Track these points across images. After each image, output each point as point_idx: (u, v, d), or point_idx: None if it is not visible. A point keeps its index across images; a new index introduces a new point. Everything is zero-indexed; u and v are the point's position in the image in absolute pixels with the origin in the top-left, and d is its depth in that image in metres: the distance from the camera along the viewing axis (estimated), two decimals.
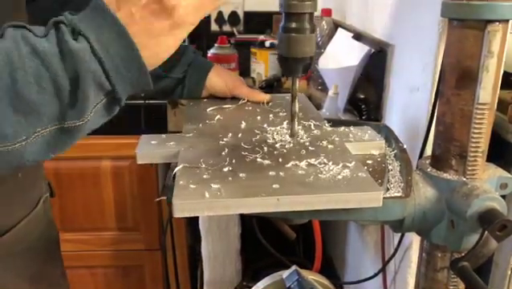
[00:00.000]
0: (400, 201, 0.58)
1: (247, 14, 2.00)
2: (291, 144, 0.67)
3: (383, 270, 1.02)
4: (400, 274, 0.98)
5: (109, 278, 1.60)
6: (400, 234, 0.89)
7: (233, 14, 1.99)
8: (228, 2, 1.93)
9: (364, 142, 0.70)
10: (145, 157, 0.66)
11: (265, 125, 0.74)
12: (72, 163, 1.42)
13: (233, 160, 0.60)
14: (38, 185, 0.77)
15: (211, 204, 0.51)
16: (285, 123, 0.75)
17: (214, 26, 2.02)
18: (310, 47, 0.63)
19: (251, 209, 0.52)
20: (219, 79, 0.90)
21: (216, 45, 1.32)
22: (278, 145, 0.67)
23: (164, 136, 0.71)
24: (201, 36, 2.07)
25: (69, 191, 1.46)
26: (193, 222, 1.44)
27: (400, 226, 0.61)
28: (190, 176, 0.56)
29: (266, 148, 0.65)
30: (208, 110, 0.84)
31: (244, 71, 1.55)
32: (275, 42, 1.50)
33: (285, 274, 0.99)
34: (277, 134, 0.71)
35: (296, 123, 0.69)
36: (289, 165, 0.59)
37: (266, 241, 1.12)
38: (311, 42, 0.63)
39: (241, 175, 0.56)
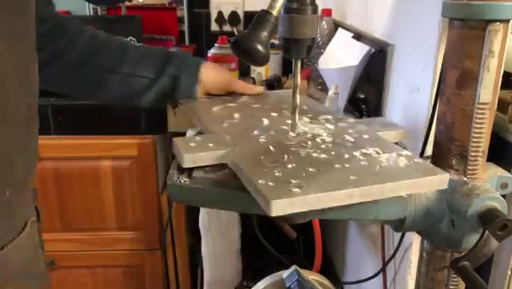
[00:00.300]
0: (400, 201, 0.58)
1: (247, 14, 2.00)
2: (330, 138, 0.67)
3: (383, 270, 1.02)
4: (400, 274, 0.98)
5: (109, 278, 1.60)
6: (400, 234, 0.89)
7: (233, 14, 1.99)
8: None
9: (389, 130, 0.72)
10: (196, 160, 0.62)
11: (287, 121, 0.74)
12: (72, 163, 1.42)
13: (290, 156, 0.60)
14: (25, 206, 0.68)
15: (306, 200, 0.51)
16: (304, 117, 0.75)
17: (214, 26, 2.01)
18: (312, 29, 0.62)
19: (341, 202, 0.52)
20: (213, 74, 0.89)
21: (216, 45, 1.32)
22: (318, 139, 0.67)
23: (197, 137, 0.68)
24: (201, 36, 2.07)
25: (69, 191, 1.46)
26: (193, 222, 1.44)
27: (400, 226, 0.61)
28: (261, 175, 0.55)
29: (310, 143, 0.65)
30: (214, 109, 0.82)
31: (244, 70, 1.55)
32: (275, 42, 1.50)
33: (285, 274, 0.99)
34: (305, 127, 0.72)
35: (297, 115, 0.69)
36: (346, 157, 0.60)
37: (266, 241, 1.12)
38: (313, 23, 0.62)
39: (310, 170, 0.56)
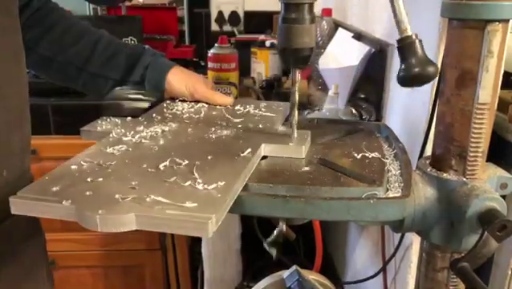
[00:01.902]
0: (399, 202, 0.57)
1: (247, 14, 2.01)
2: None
3: (383, 270, 1.02)
4: (400, 274, 0.98)
5: (109, 278, 1.60)
6: (400, 235, 0.89)
7: (234, 14, 1.99)
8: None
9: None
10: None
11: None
12: None
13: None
14: (23, 184, 0.73)
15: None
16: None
17: (215, 26, 2.02)
18: (310, 38, 0.62)
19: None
20: (178, 81, 0.86)
21: (216, 45, 1.32)
22: None
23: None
24: (202, 36, 2.07)
25: None
26: None
27: (399, 226, 0.61)
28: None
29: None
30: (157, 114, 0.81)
31: (244, 70, 1.55)
32: (275, 41, 1.50)
33: (285, 274, 0.99)
34: None
35: (296, 112, 0.69)
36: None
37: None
38: (311, 32, 0.62)
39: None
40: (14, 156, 0.69)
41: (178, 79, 0.87)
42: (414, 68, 0.58)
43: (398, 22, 0.59)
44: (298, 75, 0.66)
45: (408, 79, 0.59)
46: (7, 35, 0.66)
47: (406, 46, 0.59)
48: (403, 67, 0.59)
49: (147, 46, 0.92)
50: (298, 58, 0.63)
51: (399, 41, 0.59)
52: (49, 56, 0.85)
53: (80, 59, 0.86)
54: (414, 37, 0.58)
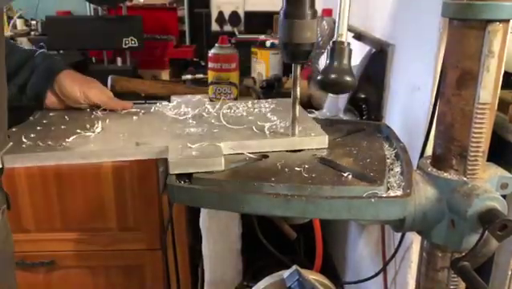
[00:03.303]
0: (400, 201, 0.58)
1: (248, 14, 2.00)
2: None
3: (383, 269, 1.02)
4: (400, 274, 0.98)
5: (109, 278, 1.60)
6: (400, 234, 0.89)
7: (234, 14, 1.99)
8: None
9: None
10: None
11: None
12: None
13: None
14: None
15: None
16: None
17: (215, 26, 2.02)
18: (312, 33, 0.62)
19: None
20: (71, 84, 0.84)
21: (217, 45, 1.32)
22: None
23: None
24: (202, 36, 2.07)
25: (70, 190, 1.46)
26: (193, 222, 1.44)
27: (400, 226, 0.61)
28: None
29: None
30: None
31: (245, 70, 1.55)
32: (276, 42, 1.50)
33: (285, 273, 0.99)
34: None
35: (297, 108, 0.69)
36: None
37: (266, 241, 1.12)
38: (312, 27, 0.62)
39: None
40: None
41: (70, 81, 0.84)
42: (332, 74, 0.60)
43: (338, 26, 0.61)
44: (299, 70, 0.66)
45: (326, 84, 0.62)
46: None
47: (336, 49, 0.61)
48: (324, 68, 0.61)
49: (42, 50, 0.88)
50: (299, 52, 0.63)
51: (333, 42, 0.62)
52: None
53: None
54: (345, 45, 0.60)
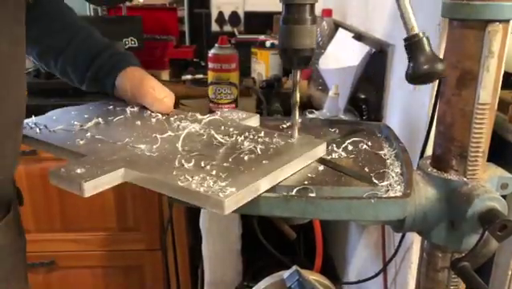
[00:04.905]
0: (400, 202, 0.57)
1: (248, 15, 2.01)
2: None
3: (383, 270, 1.02)
4: (400, 275, 0.98)
5: (109, 278, 1.60)
6: (400, 234, 0.89)
7: (234, 15, 1.99)
8: None
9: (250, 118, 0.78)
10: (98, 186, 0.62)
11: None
12: None
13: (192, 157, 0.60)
14: (7, 188, 0.72)
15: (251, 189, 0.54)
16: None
17: (215, 27, 2.02)
18: (311, 39, 0.62)
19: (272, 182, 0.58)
20: (124, 83, 0.82)
21: (216, 45, 1.32)
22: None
23: (79, 166, 0.64)
24: (202, 36, 2.07)
25: (69, 191, 1.46)
26: (193, 222, 1.44)
27: (400, 226, 0.61)
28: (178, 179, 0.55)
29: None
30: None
31: (244, 71, 1.55)
32: (276, 42, 1.50)
33: (285, 274, 0.99)
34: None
35: (297, 112, 0.69)
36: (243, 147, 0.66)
37: (266, 241, 1.12)
38: (312, 33, 0.62)
39: (225, 164, 0.59)
40: (4, 160, 0.67)
41: (125, 80, 0.82)
42: (423, 66, 0.57)
43: (405, 21, 0.59)
44: (298, 75, 0.66)
45: (418, 77, 0.59)
46: (21, 44, 0.65)
47: (414, 44, 0.58)
48: (411, 65, 0.58)
49: (111, 44, 0.87)
50: (299, 58, 0.63)
51: (406, 39, 0.59)
52: (35, 38, 0.82)
53: (56, 49, 0.84)
54: (421, 35, 0.58)
